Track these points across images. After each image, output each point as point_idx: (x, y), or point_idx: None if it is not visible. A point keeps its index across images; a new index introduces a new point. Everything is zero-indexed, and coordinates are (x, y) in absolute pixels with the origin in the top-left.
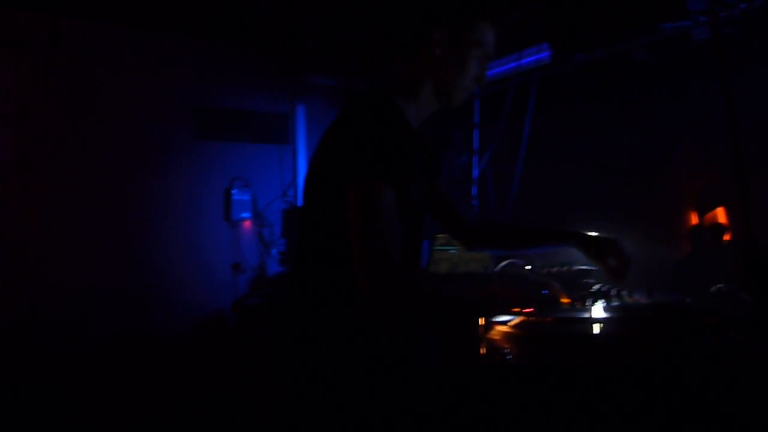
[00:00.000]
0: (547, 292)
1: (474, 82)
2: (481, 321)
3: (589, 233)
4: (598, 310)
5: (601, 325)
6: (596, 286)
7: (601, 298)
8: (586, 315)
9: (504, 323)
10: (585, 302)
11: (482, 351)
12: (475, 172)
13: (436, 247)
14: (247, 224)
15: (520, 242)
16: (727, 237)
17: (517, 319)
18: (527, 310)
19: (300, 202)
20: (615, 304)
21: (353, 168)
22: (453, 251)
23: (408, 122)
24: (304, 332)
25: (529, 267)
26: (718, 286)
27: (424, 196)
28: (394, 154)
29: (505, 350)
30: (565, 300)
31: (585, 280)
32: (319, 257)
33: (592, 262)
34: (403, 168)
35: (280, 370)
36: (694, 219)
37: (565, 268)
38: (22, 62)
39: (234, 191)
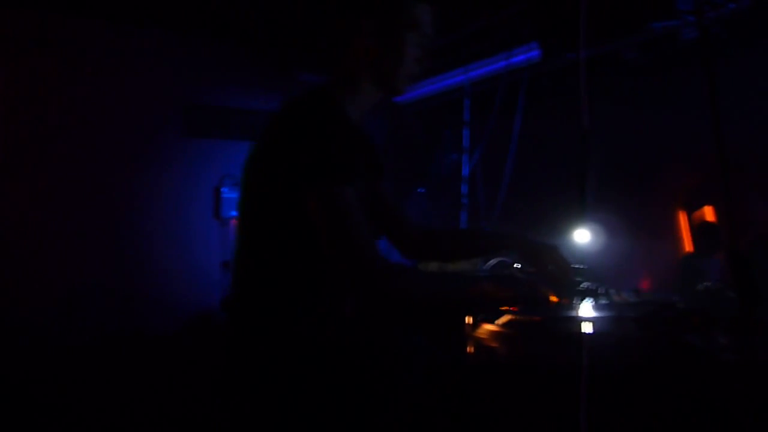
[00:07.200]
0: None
1: (416, 65)
2: (469, 319)
3: (529, 239)
4: (585, 309)
5: (589, 323)
6: (584, 285)
7: (588, 297)
8: (574, 314)
9: (492, 322)
10: (573, 301)
11: (469, 349)
12: (465, 171)
13: None
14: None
15: (459, 251)
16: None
17: (504, 318)
18: (514, 308)
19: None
20: (602, 302)
21: (308, 175)
22: None
23: (348, 117)
24: (258, 342)
25: (518, 265)
26: (706, 284)
27: (367, 196)
28: (344, 153)
29: (493, 349)
30: (552, 298)
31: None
32: (270, 262)
33: (531, 268)
34: (352, 165)
35: (235, 382)
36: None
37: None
38: (10, 60)
39: (224, 189)
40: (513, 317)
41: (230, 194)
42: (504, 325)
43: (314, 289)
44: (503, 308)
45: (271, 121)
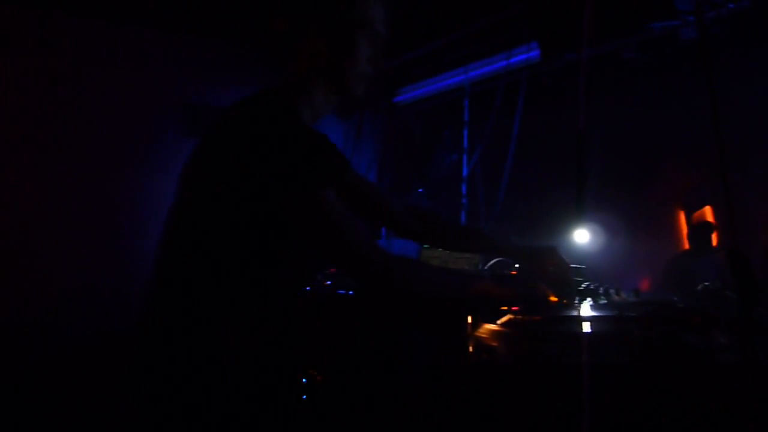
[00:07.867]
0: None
1: (370, 65)
2: (469, 319)
3: (526, 244)
4: (585, 309)
5: (588, 323)
6: (584, 285)
7: (588, 296)
8: (574, 313)
9: (492, 321)
10: (572, 301)
11: (470, 349)
12: (465, 171)
13: (425, 246)
14: None
15: (452, 238)
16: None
17: (505, 317)
18: (515, 308)
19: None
20: (602, 302)
21: (288, 181)
22: (441, 250)
23: (305, 121)
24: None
25: (517, 265)
26: (705, 284)
27: (346, 194)
28: (320, 155)
29: (493, 348)
30: (552, 298)
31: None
32: (216, 271)
33: (533, 271)
34: (328, 167)
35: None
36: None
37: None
38: (8, 59)
39: None
40: (513, 317)
41: None
42: (504, 324)
43: (258, 295)
44: (503, 308)
45: (225, 123)
